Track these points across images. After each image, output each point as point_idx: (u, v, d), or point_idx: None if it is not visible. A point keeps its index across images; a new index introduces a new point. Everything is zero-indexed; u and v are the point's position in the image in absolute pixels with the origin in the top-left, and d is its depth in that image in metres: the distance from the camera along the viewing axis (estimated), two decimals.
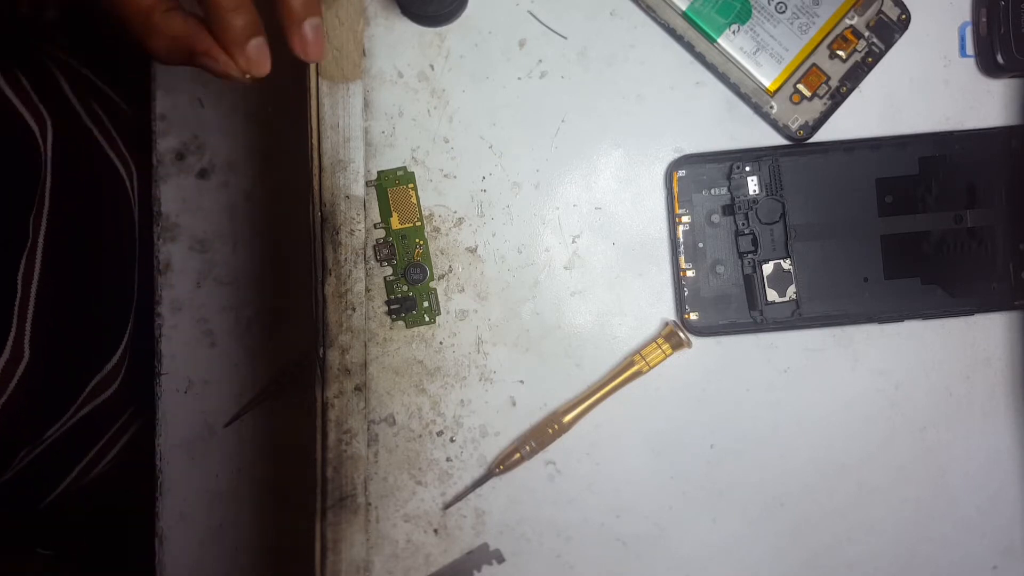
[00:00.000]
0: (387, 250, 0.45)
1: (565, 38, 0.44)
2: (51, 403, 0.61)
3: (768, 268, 0.45)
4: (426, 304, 0.45)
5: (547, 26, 0.45)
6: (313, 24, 0.37)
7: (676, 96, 0.45)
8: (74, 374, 0.64)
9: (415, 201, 0.45)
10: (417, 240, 0.45)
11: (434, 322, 0.45)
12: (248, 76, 0.37)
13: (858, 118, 0.45)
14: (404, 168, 0.45)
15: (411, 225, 0.45)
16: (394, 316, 0.45)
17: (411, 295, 0.45)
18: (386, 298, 0.45)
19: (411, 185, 0.45)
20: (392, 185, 0.45)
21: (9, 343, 0.56)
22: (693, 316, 0.45)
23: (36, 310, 0.58)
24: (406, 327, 0.45)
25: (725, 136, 0.45)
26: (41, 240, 0.59)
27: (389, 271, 0.45)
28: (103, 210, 0.68)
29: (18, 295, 0.57)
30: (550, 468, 0.45)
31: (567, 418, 0.44)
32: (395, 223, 0.45)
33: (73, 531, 0.74)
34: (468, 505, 0.45)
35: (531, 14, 0.44)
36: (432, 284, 0.45)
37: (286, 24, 0.37)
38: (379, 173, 0.45)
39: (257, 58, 0.37)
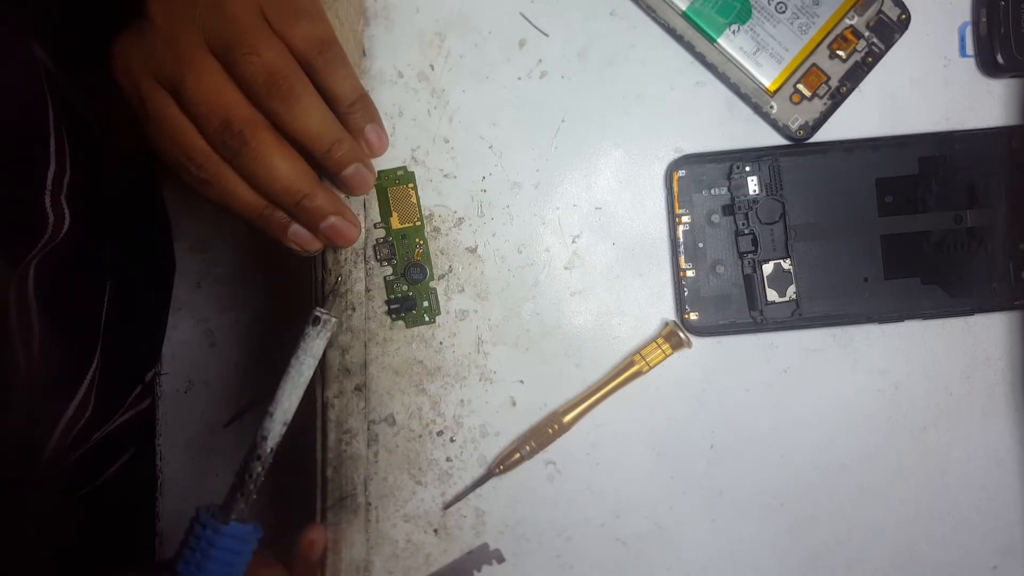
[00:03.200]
0: (387, 250, 0.45)
1: (547, 35, 0.44)
2: (105, 403, 0.62)
3: (768, 268, 0.45)
4: (426, 304, 0.45)
5: (539, 29, 0.44)
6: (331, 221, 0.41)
7: (676, 96, 0.45)
8: (124, 380, 0.65)
9: (415, 201, 0.45)
10: (417, 240, 0.45)
11: (434, 322, 0.45)
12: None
13: (858, 118, 0.45)
14: (404, 168, 0.45)
15: (411, 225, 0.45)
16: (394, 316, 0.45)
17: (411, 295, 0.45)
18: (386, 298, 0.45)
19: (411, 185, 0.45)
20: (392, 185, 0.45)
21: (97, 355, 0.58)
22: (693, 316, 0.45)
23: (107, 320, 0.60)
24: (406, 327, 0.45)
25: (725, 136, 0.45)
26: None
27: (389, 271, 0.45)
28: (157, 218, 0.69)
29: (103, 309, 0.59)
30: (550, 468, 0.45)
31: (567, 418, 0.44)
32: (395, 223, 0.45)
33: (75, 531, 0.74)
34: (468, 505, 0.45)
35: (523, 16, 0.44)
36: (432, 284, 0.45)
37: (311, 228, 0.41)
38: (379, 173, 0.45)
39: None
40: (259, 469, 0.40)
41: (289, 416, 0.40)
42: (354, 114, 0.41)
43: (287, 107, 0.38)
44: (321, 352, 0.41)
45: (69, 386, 0.56)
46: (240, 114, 0.37)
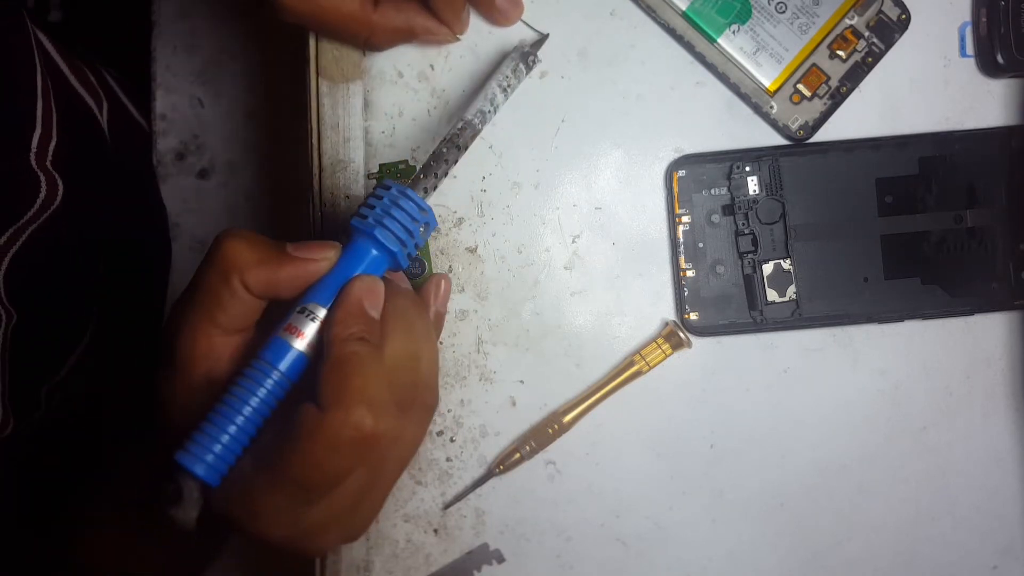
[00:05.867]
0: None
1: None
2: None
3: (768, 268, 0.45)
4: None
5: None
6: None
7: (676, 96, 0.45)
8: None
9: None
10: None
11: None
12: (459, 36, 0.43)
13: (858, 118, 0.45)
14: (405, 162, 0.45)
15: None
16: None
17: None
18: None
19: None
20: (393, 179, 0.45)
21: (88, 334, 0.58)
22: (693, 316, 0.45)
23: (101, 319, 0.60)
24: None
25: (725, 136, 0.45)
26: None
27: None
28: (148, 187, 0.69)
29: (95, 310, 0.59)
30: (550, 468, 0.45)
31: (567, 418, 0.44)
32: None
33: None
34: (468, 505, 0.45)
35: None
36: None
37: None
38: (380, 166, 0.45)
39: (467, 21, 0.43)
40: (453, 156, 0.39)
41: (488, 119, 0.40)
42: None
43: None
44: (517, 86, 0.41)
45: (51, 365, 0.56)
46: None
